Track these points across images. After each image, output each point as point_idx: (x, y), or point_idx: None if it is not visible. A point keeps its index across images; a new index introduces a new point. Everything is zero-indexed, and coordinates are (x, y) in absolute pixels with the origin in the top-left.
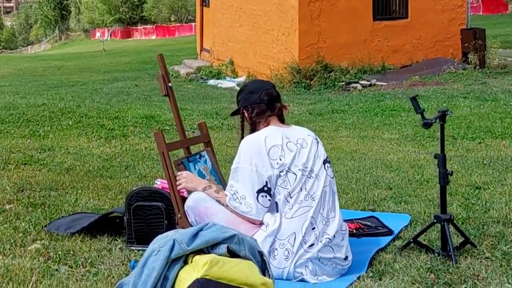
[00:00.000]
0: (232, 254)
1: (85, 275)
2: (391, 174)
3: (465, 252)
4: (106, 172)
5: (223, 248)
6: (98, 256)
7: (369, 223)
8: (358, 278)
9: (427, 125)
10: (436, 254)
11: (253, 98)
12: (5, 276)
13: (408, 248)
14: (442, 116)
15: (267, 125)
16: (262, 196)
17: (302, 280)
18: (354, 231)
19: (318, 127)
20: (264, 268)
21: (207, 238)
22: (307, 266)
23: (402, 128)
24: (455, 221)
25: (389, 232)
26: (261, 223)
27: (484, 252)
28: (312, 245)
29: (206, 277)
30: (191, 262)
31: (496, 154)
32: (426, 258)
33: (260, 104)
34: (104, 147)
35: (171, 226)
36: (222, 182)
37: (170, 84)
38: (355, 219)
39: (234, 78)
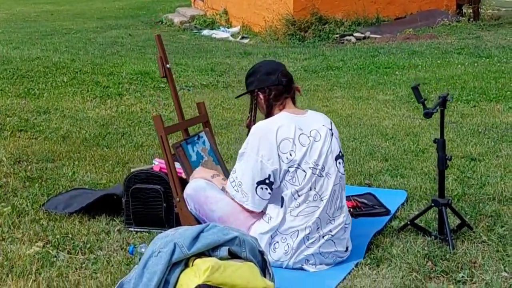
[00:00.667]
0: (233, 255)
1: (84, 263)
2: (386, 144)
3: (461, 235)
4: (102, 140)
5: (224, 250)
6: (97, 240)
7: (365, 201)
8: (356, 265)
9: (428, 115)
10: (433, 237)
11: (271, 79)
12: (4, 266)
13: (405, 230)
14: (443, 102)
15: (283, 108)
16: (262, 188)
17: (301, 269)
18: (351, 210)
19: (313, 86)
20: (264, 267)
21: (208, 241)
22: (308, 260)
23: (397, 89)
24: (452, 201)
25: (386, 211)
26: (263, 213)
27: (481, 236)
28: (314, 241)
29: (208, 283)
30: (192, 265)
31: (491, 120)
32: (423, 242)
33: (278, 85)
34: (100, 108)
35: (170, 209)
36: (220, 162)
37: (168, 66)
38: (352, 196)
39: (228, 28)
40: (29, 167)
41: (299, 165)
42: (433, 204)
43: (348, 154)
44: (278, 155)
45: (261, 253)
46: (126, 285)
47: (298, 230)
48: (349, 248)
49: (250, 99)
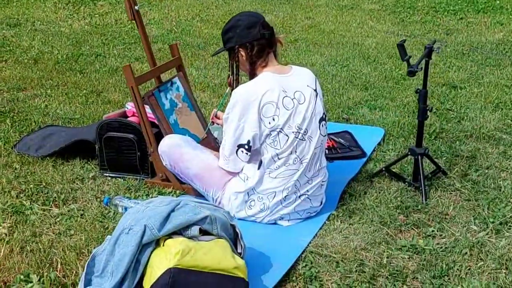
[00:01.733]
0: (204, 232)
1: (58, 218)
2: (368, 68)
3: (436, 181)
4: (75, 63)
5: (195, 230)
6: (71, 190)
7: (342, 141)
8: (328, 218)
9: (411, 73)
10: (406, 183)
11: (253, 33)
12: None
13: (380, 176)
14: (429, 53)
15: (266, 65)
16: (242, 151)
17: (274, 223)
18: (327, 151)
19: None
20: (236, 240)
21: (178, 221)
22: (282, 217)
23: None
24: (429, 150)
25: (362, 154)
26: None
27: (454, 183)
28: (290, 202)
29: (178, 266)
30: (163, 245)
31: (477, 39)
32: (397, 191)
33: (260, 40)
34: (73, 19)
35: (144, 157)
36: (195, 107)
37: (136, 8)
38: (329, 135)
39: None
40: (0, 98)
41: (281, 129)
42: (409, 153)
43: (328, 81)
44: (260, 119)
45: (233, 226)
46: (98, 258)
47: (275, 192)
48: (323, 202)
49: (229, 56)
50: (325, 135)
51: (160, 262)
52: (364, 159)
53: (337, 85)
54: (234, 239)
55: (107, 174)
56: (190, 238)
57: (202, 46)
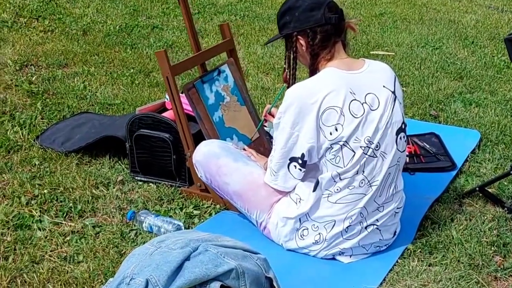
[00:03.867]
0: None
1: (68, 236)
2: (464, 52)
3: None
4: (127, 37)
5: (214, 286)
6: (92, 198)
7: (427, 146)
8: (402, 254)
9: None
10: (506, 210)
11: (315, 17)
12: None
13: (472, 197)
14: None
15: (331, 58)
16: (295, 166)
17: (332, 258)
18: (407, 159)
19: None
20: None
21: (193, 276)
22: (342, 252)
23: None
24: None
25: (451, 166)
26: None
27: None
28: (354, 234)
29: None
30: None
31: None
32: (492, 220)
33: (325, 25)
34: None
35: (181, 162)
36: (247, 101)
37: None
38: (412, 137)
39: None
40: (36, 74)
41: (346, 142)
42: (511, 172)
43: (415, 67)
44: (320, 127)
45: (269, 279)
46: None
47: (335, 220)
48: (397, 232)
49: (286, 46)
50: (404, 151)
51: None
52: (454, 173)
53: (426, 72)
54: None
55: (138, 178)
56: None
57: (273, 18)
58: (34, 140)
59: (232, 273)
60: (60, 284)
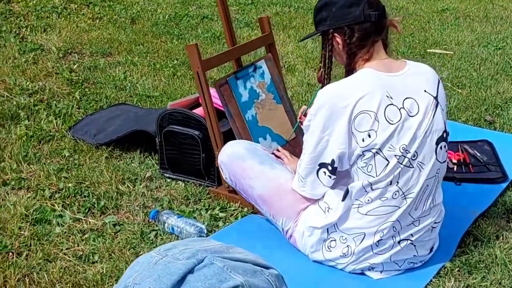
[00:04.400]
0: None
1: (86, 234)
2: None
3: None
4: (176, 27)
5: None
6: (117, 194)
7: (478, 155)
8: (438, 273)
9: None
10: None
11: (354, 14)
12: None
13: None
14: None
15: (369, 58)
16: (324, 173)
17: (361, 273)
18: (455, 168)
19: None
20: None
21: None
22: (372, 267)
23: None
24: None
25: (503, 177)
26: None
27: None
28: (385, 248)
29: None
30: None
31: None
32: None
33: (364, 23)
34: None
35: (210, 161)
36: (283, 99)
37: None
38: (462, 143)
39: None
40: (78, 64)
41: (379, 150)
42: None
43: (473, 68)
44: (352, 133)
45: None
46: None
47: (365, 233)
48: (435, 248)
49: (322, 43)
50: (444, 161)
51: None
52: (504, 185)
53: (486, 73)
54: None
55: (167, 175)
56: None
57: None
58: (66, 131)
59: None
60: (69, 286)
